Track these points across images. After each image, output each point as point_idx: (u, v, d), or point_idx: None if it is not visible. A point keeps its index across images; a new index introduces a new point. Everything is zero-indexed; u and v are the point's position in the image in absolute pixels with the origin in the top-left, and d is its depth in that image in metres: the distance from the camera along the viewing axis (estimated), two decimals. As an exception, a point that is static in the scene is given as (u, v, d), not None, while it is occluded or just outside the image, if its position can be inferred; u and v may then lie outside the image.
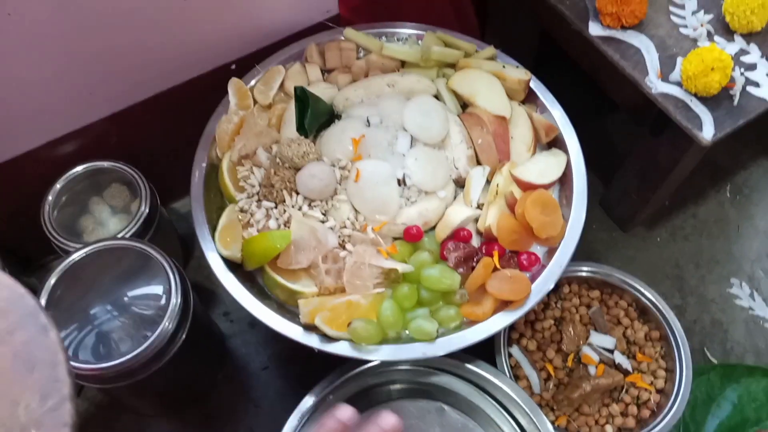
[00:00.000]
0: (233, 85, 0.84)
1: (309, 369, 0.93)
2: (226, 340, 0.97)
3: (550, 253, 0.76)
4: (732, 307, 0.99)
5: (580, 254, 0.94)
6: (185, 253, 1.04)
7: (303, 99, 0.78)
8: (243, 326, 0.98)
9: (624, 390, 0.86)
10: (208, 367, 0.92)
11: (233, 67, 0.91)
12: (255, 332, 0.97)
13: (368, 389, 0.81)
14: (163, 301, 0.75)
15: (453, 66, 0.88)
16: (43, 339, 0.40)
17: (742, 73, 0.78)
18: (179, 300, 0.75)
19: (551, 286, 0.72)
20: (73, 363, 0.70)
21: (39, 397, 0.39)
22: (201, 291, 1.01)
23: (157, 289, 0.76)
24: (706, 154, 0.86)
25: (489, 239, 0.76)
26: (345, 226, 0.75)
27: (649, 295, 0.90)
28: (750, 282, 1.01)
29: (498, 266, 0.73)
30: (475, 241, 0.77)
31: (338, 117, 0.83)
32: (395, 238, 0.76)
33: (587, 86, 0.96)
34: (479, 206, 0.77)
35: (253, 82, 0.86)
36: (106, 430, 0.90)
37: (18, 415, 0.38)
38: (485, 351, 0.83)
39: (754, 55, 0.80)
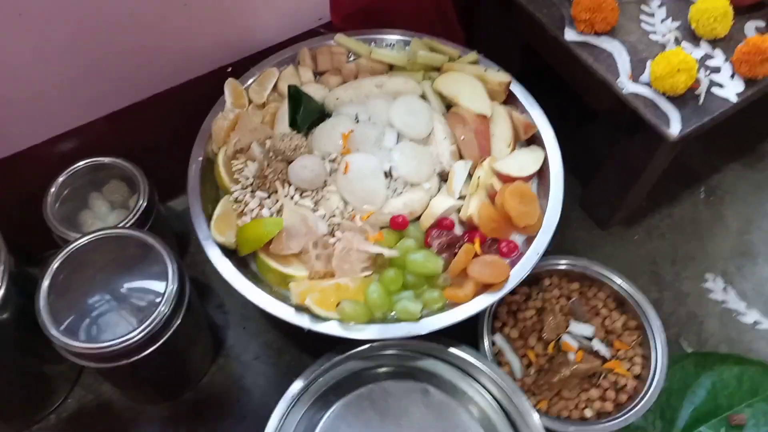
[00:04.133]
0: (229, 85, 0.89)
1: (299, 359, 0.97)
2: (220, 332, 1.00)
3: (529, 242, 0.80)
4: (706, 300, 1.04)
5: (561, 252, 0.99)
6: (180, 250, 1.07)
7: (296, 97, 0.83)
8: (236, 318, 1.01)
9: (602, 376, 0.90)
10: (201, 357, 0.95)
11: (229, 69, 0.96)
12: (248, 324, 1.00)
13: (356, 373, 0.84)
14: (160, 287, 0.78)
15: (438, 70, 0.93)
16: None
17: (707, 75, 0.84)
18: (176, 286, 0.78)
19: (529, 271, 0.77)
20: (73, 343, 0.73)
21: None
22: (196, 286, 1.04)
23: (155, 275, 0.80)
24: (681, 160, 0.91)
25: (471, 228, 0.81)
26: (334, 215, 0.79)
27: (626, 286, 0.94)
28: (724, 277, 1.06)
29: (479, 252, 0.77)
30: (458, 231, 0.81)
31: (329, 116, 0.88)
32: (382, 228, 0.81)
33: (568, 100, 1.01)
34: (461, 197, 0.82)
35: (248, 83, 0.91)
36: (100, 419, 0.93)
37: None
38: (469, 339, 0.87)
39: (718, 59, 0.86)
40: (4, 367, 0.84)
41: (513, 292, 0.95)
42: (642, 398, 0.87)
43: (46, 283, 0.76)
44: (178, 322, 0.79)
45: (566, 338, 0.91)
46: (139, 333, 0.74)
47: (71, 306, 0.79)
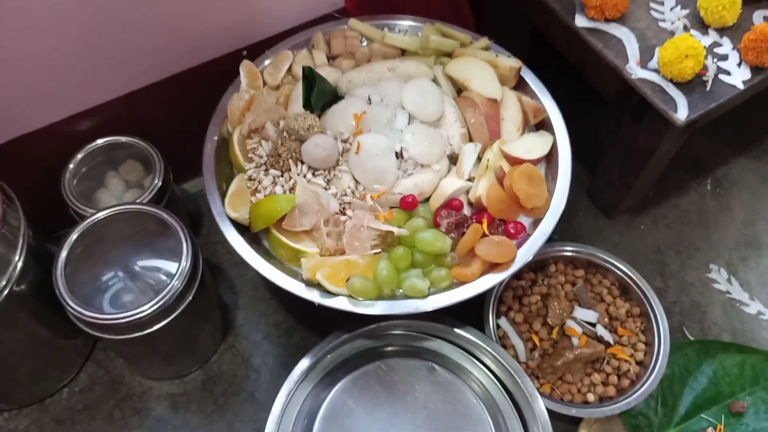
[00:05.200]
0: (245, 66, 0.91)
1: (308, 339, 0.99)
2: (230, 312, 1.02)
3: (536, 224, 0.82)
4: (710, 290, 1.05)
5: (567, 240, 1.00)
6: (194, 231, 1.09)
7: (310, 78, 0.85)
8: (246, 299, 1.03)
9: (605, 361, 0.91)
10: (212, 335, 0.97)
11: (245, 53, 0.97)
12: (258, 304, 1.02)
13: (363, 351, 0.86)
14: (174, 263, 0.80)
15: (449, 55, 0.94)
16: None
17: (714, 62, 0.85)
18: (190, 262, 0.80)
19: (535, 251, 0.78)
20: (88, 313, 0.75)
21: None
22: (208, 267, 1.05)
23: (169, 252, 0.82)
24: (688, 151, 0.91)
25: (479, 209, 0.82)
26: (346, 194, 0.81)
27: (630, 274, 0.95)
28: (728, 267, 1.07)
29: (486, 232, 0.78)
30: (467, 212, 0.83)
31: (342, 98, 0.89)
32: (392, 207, 0.82)
33: (576, 87, 1.03)
34: (471, 179, 0.83)
35: (263, 65, 0.92)
36: (111, 394, 0.95)
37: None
38: (475, 323, 0.88)
39: (726, 47, 0.87)
40: (21, 339, 0.86)
41: (519, 277, 0.97)
42: (644, 383, 0.88)
43: (64, 254, 0.78)
44: (191, 297, 0.81)
45: (570, 323, 0.92)
46: (153, 306, 0.76)
47: (87, 279, 0.81)
